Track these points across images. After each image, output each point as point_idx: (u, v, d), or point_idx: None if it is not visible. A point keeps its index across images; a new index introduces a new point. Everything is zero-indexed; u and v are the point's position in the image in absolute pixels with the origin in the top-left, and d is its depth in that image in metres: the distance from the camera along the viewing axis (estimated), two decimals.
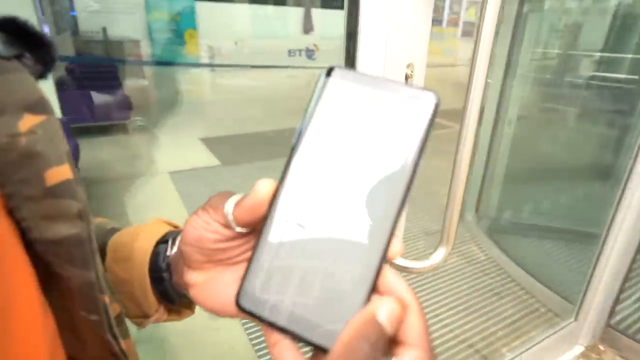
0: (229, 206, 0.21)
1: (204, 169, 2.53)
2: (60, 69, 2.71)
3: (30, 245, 0.19)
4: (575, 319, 1.16)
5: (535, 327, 1.24)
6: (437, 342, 1.20)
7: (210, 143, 2.98)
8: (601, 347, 1.16)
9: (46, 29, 3.07)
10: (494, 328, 1.24)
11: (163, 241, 0.29)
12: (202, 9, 4.56)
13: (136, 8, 4.06)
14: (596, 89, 1.80)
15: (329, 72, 0.20)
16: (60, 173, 0.19)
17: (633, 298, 1.24)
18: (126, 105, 2.90)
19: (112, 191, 2.12)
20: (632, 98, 1.57)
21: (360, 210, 0.19)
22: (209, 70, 4.92)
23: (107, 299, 0.21)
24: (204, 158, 2.72)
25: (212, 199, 0.22)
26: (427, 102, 0.19)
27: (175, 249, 0.27)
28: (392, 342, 0.17)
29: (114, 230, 0.31)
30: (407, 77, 0.47)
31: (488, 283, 1.45)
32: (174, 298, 0.28)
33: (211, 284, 0.23)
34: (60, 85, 2.19)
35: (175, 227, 0.32)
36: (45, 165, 0.18)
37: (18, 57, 0.20)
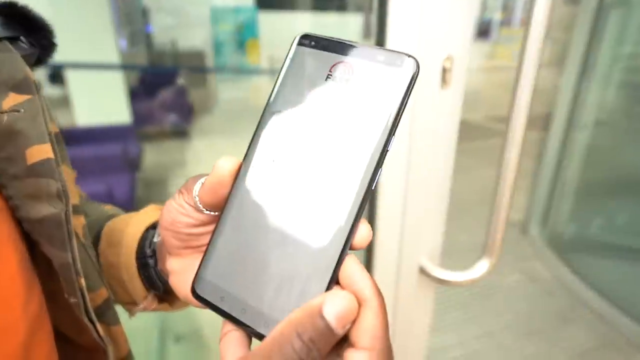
0: (197, 188, 0.20)
1: None
2: (134, 79, 2.96)
3: (21, 223, 0.19)
4: None
5: (610, 357, 1.09)
6: None
7: None
8: None
9: (123, 43, 3.39)
10: (558, 356, 1.11)
11: (152, 227, 0.28)
12: (264, 19, 4.75)
13: (203, 20, 4.33)
14: None
15: (301, 39, 0.19)
16: (40, 151, 0.19)
17: None
18: (189, 111, 3.09)
19: (170, 193, 2.27)
20: None
21: (325, 191, 0.17)
22: (269, 77, 5.11)
23: (83, 282, 0.21)
24: None
25: (188, 181, 0.21)
26: (405, 69, 0.17)
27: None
28: (342, 342, 0.15)
29: (113, 216, 0.31)
30: (445, 70, 0.43)
31: (553, 305, 1.30)
32: (159, 285, 0.28)
33: (187, 271, 0.22)
34: (132, 94, 2.38)
35: None
36: (26, 143, 0.19)
37: (12, 40, 0.20)
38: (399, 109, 0.17)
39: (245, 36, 4.64)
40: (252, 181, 0.18)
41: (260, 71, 5.04)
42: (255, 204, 0.18)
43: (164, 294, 0.29)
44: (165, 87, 2.97)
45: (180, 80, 3.31)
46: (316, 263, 0.16)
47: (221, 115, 3.84)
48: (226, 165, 0.18)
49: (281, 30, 5.07)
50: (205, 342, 1.12)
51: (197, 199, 0.20)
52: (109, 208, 0.34)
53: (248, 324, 0.17)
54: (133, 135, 2.18)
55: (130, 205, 1.66)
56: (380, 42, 0.43)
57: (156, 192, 2.23)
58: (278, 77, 0.19)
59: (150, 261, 0.27)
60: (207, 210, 0.20)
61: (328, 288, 0.16)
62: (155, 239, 0.27)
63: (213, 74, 4.45)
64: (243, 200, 0.18)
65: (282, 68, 0.19)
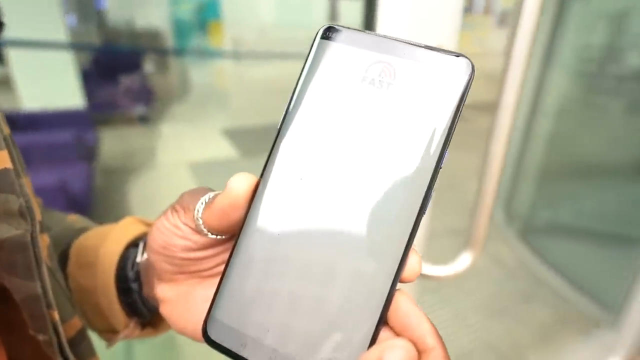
0: (200, 209, 0.17)
1: (225, 161, 2.53)
2: (86, 60, 2.75)
3: None
4: (614, 329, 1.07)
5: (568, 335, 1.16)
6: (460, 345, 1.14)
7: (232, 134, 2.98)
8: None
9: (71, 19, 3.13)
10: (521, 333, 1.17)
11: (133, 245, 0.24)
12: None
13: None
14: None
15: (326, 32, 0.16)
16: None
17: None
18: (148, 95, 2.93)
19: (131, 181, 2.15)
20: None
21: (367, 215, 0.14)
22: (232, 60, 4.94)
23: (56, 315, 0.17)
24: (226, 149, 2.73)
25: (184, 197, 0.18)
26: (458, 72, 0.14)
27: (146, 254, 0.23)
28: None
29: (82, 230, 0.26)
30: None
31: (517, 286, 1.37)
32: (144, 313, 0.24)
33: (183, 301, 0.19)
34: (85, 76, 2.21)
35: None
36: None
37: None
38: (453, 119, 0.14)
39: (207, 16, 4.44)
40: (275, 203, 0.15)
41: (224, 54, 4.85)
42: (282, 230, 0.15)
43: (146, 320, 0.26)
44: (121, 69, 2.79)
45: (139, 62, 3.12)
46: (361, 300, 0.14)
47: (184, 101, 3.68)
48: (241, 184, 0.15)
49: (245, 10, 4.89)
50: (175, 342, 1.08)
51: (200, 221, 0.17)
52: (74, 219, 0.29)
53: None
54: (87, 121, 2.03)
55: (88, 198, 1.55)
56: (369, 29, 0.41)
57: (116, 182, 2.11)
58: (300, 78, 0.16)
59: (134, 285, 0.23)
60: (212, 234, 0.17)
61: (376, 331, 0.14)
62: (138, 259, 0.23)
63: (173, 56, 4.24)
64: (265, 226, 0.15)
65: (304, 67, 0.16)
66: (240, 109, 3.78)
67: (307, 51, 0.16)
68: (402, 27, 0.40)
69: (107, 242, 0.24)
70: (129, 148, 2.60)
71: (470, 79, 0.14)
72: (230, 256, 0.15)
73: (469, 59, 0.14)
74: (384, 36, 0.15)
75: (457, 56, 0.14)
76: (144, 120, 2.92)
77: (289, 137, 0.15)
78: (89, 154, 1.80)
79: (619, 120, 1.67)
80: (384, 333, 0.14)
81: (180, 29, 4.29)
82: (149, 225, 0.27)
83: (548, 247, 1.49)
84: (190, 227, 0.18)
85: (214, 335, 0.15)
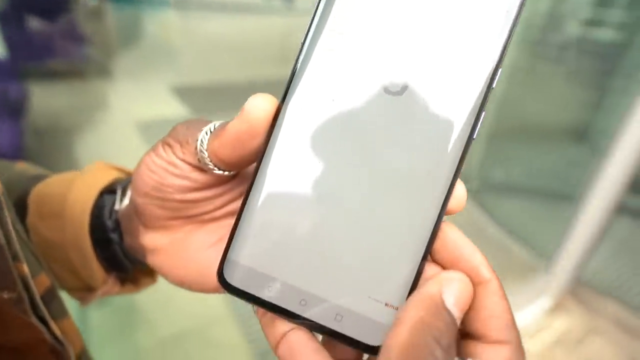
0: (204, 139, 0.15)
1: (176, 120, 2.39)
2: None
3: None
4: (547, 273, 1.20)
5: (508, 281, 1.28)
6: None
7: (182, 92, 2.81)
8: (570, 301, 1.22)
9: None
10: None
11: (109, 191, 0.22)
12: None
13: None
14: (583, 48, 1.78)
15: None
16: None
17: (604, 256, 1.29)
18: (81, 43, 2.65)
19: (68, 143, 1.98)
20: (615, 59, 1.56)
21: (411, 140, 0.13)
22: (179, 10, 4.56)
23: (25, 268, 0.15)
24: (176, 108, 2.58)
25: (177, 130, 0.16)
26: None
27: (126, 200, 0.21)
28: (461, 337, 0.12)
29: (39, 178, 0.23)
30: None
31: None
32: (126, 266, 0.22)
33: (179, 249, 0.17)
34: (3, 19, 1.94)
35: (127, 173, 0.25)
36: None
37: None
38: (509, 35, 0.13)
39: None
40: (303, 129, 0.13)
41: (170, 3, 4.46)
42: (311, 160, 0.13)
43: (128, 275, 0.23)
44: (45, 12, 2.47)
45: (67, 5, 2.78)
46: (404, 232, 0.12)
47: (126, 54, 3.37)
48: (262, 106, 0.13)
49: None
50: (136, 306, 1.05)
51: (205, 153, 0.14)
52: (23, 167, 0.25)
53: (313, 319, 0.13)
54: (10, 72, 1.80)
55: (18, 159, 1.40)
56: None
57: (52, 144, 1.93)
58: None
59: (113, 236, 0.21)
60: (218, 169, 0.15)
61: (421, 266, 0.13)
62: (116, 207, 0.20)
63: (110, 1, 3.82)
64: (292, 155, 0.13)
65: None
66: (189, 65, 3.55)
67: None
68: None
69: (75, 188, 0.21)
70: (64, 105, 2.37)
71: None
72: (249, 190, 0.13)
73: None
74: None
75: None
76: (79, 74, 2.65)
77: (317, 55, 0.13)
78: (15, 109, 1.61)
79: (561, 87, 1.79)
80: (430, 268, 0.13)
81: None
82: (121, 171, 0.24)
83: (496, 204, 1.61)
84: (188, 164, 0.16)
85: (233, 280, 0.13)
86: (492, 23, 0.13)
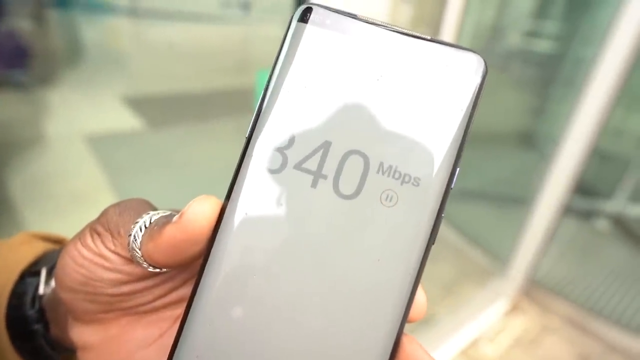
0: (137, 236, 0.13)
1: (129, 133, 2.29)
2: None
3: None
4: (502, 276, 1.25)
5: (467, 286, 1.32)
6: None
7: (134, 103, 2.69)
8: (524, 301, 1.27)
9: None
10: (430, 291, 1.30)
11: (31, 272, 0.19)
12: None
13: None
14: (525, 58, 1.88)
15: (305, 14, 0.12)
16: None
17: (553, 256, 1.36)
18: (22, 53, 2.48)
19: (10, 157, 1.83)
20: (554, 68, 1.67)
21: (364, 245, 0.12)
22: (128, 18, 4.39)
23: None
24: (128, 120, 2.46)
25: (108, 215, 0.14)
26: (468, 70, 0.12)
27: (53, 282, 0.18)
28: None
29: None
30: None
31: None
32: (52, 358, 0.19)
33: (114, 348, 0.15)
34: None
35: (58, 241, 0.21)
36: None
37: None
38: (465, 128, 0.12)
39: None
40: (250, 231, 0.12)
41: (117, 10, 4.28)
42: (262, 269, 0.12)
43: None
44: None
45: (3, 11, 2.59)
46: (363, 346, 0.12)
47: (72, 63, 3.19)
48: (203, 213, 0.12)
49: None
50: None
51: (138, 252, 0.13)
52: None
53: None
54: None
55: None
56: (302, 2, 0.38)
57: None
58: (274, 71, 0.12)
59: (37, 327, 0.18)
60: (154, 268, 0.13)
61: None
62: (40, 291, 0.18)
63: (51, 7, 3.61)
64: (239, 260, 0.12)
65: (278, 57, 0.12)
66: (141, 74, 3.42)
67: (282, 35, 0.12)
68: None
69: None
70: (4, 118, 2.20)
71: (483, 78, 0.12)
72: (191, 299, 0.12)
73: (478, 53, 0.13)
74: (372, 21, 0.12)
75: (466, 50, 0.12)
76: (20, 85, 2.48)
77: (263, 147, 0.12)
78: None
79: (507, 95, 1.88)
80: None
81: None
82: (49, 240, 0.21)
83: (452, 210, 1.66)
84: (121, 257, 0.14)
85: None
86: (448, 121, 0.12)
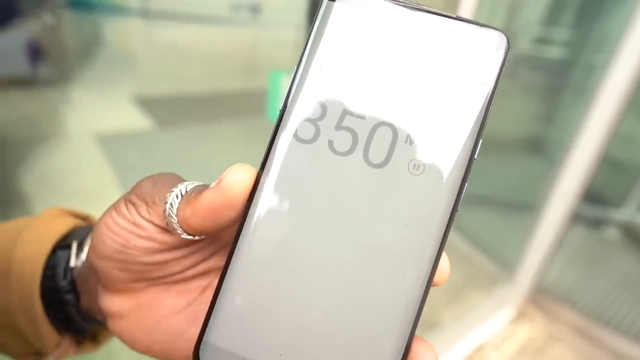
0: (174, 203, 0.14)
1: (139, 132, 2.32)
2: None
3: None
4: (509, 283, 1.24)
5: (473, 292, 1.31)
6: None
7: (145, 103, 2.72)
8: (531, 308, 1.26)
9: None
10: (437, 297, 1.30)
11: (63, 245, 0.19)
12: None
13: None
14: (534, 64, 1.88)
15: None
16: None
17: (561, 264, 1.35)
18: (36, 52, 2.53)
19: (22, 156, 1.86)
20: (564, 75, 1.66)
21: (392, 212, 0.12)
22: (140, 19, 4.44)
23: None
24: (138, 120, 2.49)
25: (142, 186, 0.15)
26: (491, 47, 0.13)
27: (83, 255, 0.18)
28: None
29: None
30: None
31: None
32: (82, 327, 0.20)
33: (144, 315, 0.16)
34: None
35: (85, 218, 0.22)
36: None
37: None
38: (488, 103, 0.13)
39: None
40: (283, 200, 0.12)
41: (129, 11, 4.34)
42: (295, 236, 0.12)
43: (84, 336, 0.21)
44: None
45: (17, 10, 2.64)
46: (389, 310, 0.12)
47: (84, 62, 3.24)
48: (241, 179, 0.12)
49: None
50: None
51: (174, 219, 0.13)
52: None
53: None
54: None
55: None
56: (315, 5, 0.38)
57: (3, 154, 1.81)
58: (306, 46, 0.13)
59: (69, 297, 0.18)
60: (188, 235, 0.14)
61: (408, 344, 0.12)
62: (72, 264, 0.18)
63: (64, 8, 3.67)
64: (272, 230, 0.12)
65: (309, 35, 0.13)
66: (151, 74, 3.46)
67: (315, 14, 0.13)
68: None
69: (24, 243, 0.19)
70: (16, 115, 2.23)
71: (506, 54, 0.13)
72: (226, 267, 0.13)
73: (502, 31, 0.13)
74: (405, 3, 0.13)
75: (490, 28, 0.13)
76: (33, 82, 2.52)
77: (293, 126, 0.13)
78: None
79: (517, 101, 1.87)
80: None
81: None
82: (78, 217, 0.22)
83: (460, 216, 1.65)
84: (155, 225, 0.14)
85: (207, 359, 0.12)
86: (471, 95, 0.13)
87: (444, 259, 0.13)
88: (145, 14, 4.44)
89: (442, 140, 0.13)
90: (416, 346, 0.13)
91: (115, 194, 1.56)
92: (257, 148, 0.13)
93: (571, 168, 1.04)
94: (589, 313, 1.20)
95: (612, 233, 1.59)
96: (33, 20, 2.74)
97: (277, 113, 0.13)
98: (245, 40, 4.81)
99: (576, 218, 1.14)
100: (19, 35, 2.43)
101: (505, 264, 1.31)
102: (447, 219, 0.13)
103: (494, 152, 1.81)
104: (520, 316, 1.24)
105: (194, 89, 3.12)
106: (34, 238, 0.19)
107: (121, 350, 0.23)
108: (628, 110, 0.96)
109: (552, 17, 1.79)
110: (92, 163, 1.88)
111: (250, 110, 2.55)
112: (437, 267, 0.13)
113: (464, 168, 0.13)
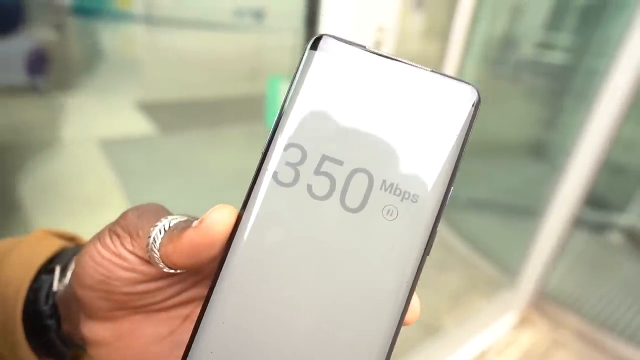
0: (157, 238, 0.14)
1: (141, 138, 2.33)
2: None
3: None
4: (512, 288, 1.23)
5: (475, 297, 1.30)
6: None
7: (148, 108, 2.74)
8: (534, 314, 1.25)
9: None
10: (438, 301, 1.29)
11: (47, 269, 0.19)
12: None
13: None
14: (537, 69, 1.88)
15: (315, 42, 0.14)
16: None
17: (564, 269, 1.34)
18: (40, 59, 2.55)
19: (25, 162, 1.88)
20: (566, 80, 1.66)
21: (364, 258, 0.13)
22: (144, 25, 4.48)
23: None
24: (140, 125, 2.51)
25: (127, 218, 0.15)
26: (463, 100, 0.14)
27: (66, 280, 0.18)
28: None
29: None
30: (378, 44, 0.41)
31: (433, 256, 1.49)
32: (63, 352, 0.19)
33: (126, 343, 0.16)
34: None
35: (71, 238, 0.22)
36: None
37: None
38: (460, 151, 0.14)
39: None
40: (262, 240, 0.13)
41: (134, 17, 4.38)
42: (273, 274, 0.13)
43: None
44: (3, 25, 2.36)
45: (22, 18, 2.67)
46: (363, 345, 0.13)
47: (87, 69, 3.27)
48: (222, 219, 0.13)
49: None
50: None
51: (156, 254, 0.14)
52: None
53: None
54: None
55: None
56: (313, 12, 0.39)
57: (5, 162, 1.82)
58: (289, 93, 0.14)
59: (50, 322, 0.18)
60: (170, 269, 0.14)
61: None
62: (54, 288, 0.18)
63: (69, 14, 3.71)
64: (252, 266, 0.13)
65: (292, 81, 0.14)
66: (155, 80, 3.48)
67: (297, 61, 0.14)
68: (347, 8, 0.39)
69: (7, 265, 0.18)
70: (20, 122, 2.25)
71: (476, 107, 0.14)
72: (205, 304, 0.13)
73: (473, 85, 0.14)
74: (375, 51, 0.14)
75: (459, 81, 0.14)
76: (36, 89, 2.54)
77: (276, 162, 0.13)
78: None
79: (518, 105, 1.87)
80: None
81: None
82: (63, 237, 0.22)
83: (462, 220, 1.65)
84: (138, 257, 0.15)
85: None
86: (443, 144, 0.14)
87: (415, 299, 0.14)
88: (149, 20, 4.48)
89: (415, 188, 0.13)
90: None
91: (119, 199, 1.57)
92: (259, 153, 0.14)
93: (573, 172, 1.04)
94: (592, 318, 1.19)
95: (615, 238, 1.58)
96: (37, 27, 2.77)
97: (265, 142, 0.14)
98: (249, 46, 4.83)
99: (579, 223, 1.13)
100: (23, 42, 2.45)
101: (508, 268, 1.31)
102: (418, 263, 0.13)
103: (496, 157, 1.80)
104: (523, 322, 1.23)
105: (197, 94, 3.14)
106: (19, 261, 0.19)
107: None
108: (630, 115, 0.96)
109: (554, 22, 1.79)
110: (95, 168, 1.89)
111: (252, 115, 2.56)
112: (407, 307, 0.13)
113: (435, 215, 0.13)
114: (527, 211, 1.37)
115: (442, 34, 0.41)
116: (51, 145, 2.01)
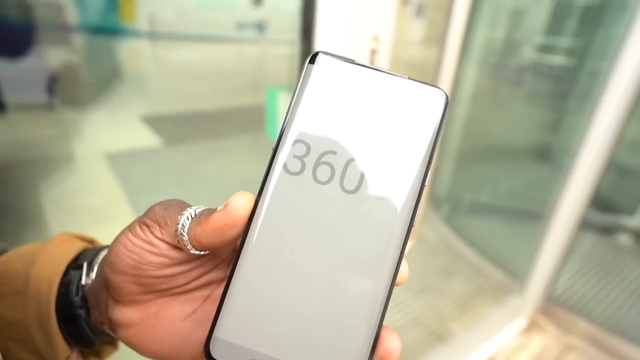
0: (185, 224, 0.16)
1: (147, 150, 2.35)
2: None
3: None
4: (520, 294, 1.22)
5: (483, 303, 1.29)
6: (391, 322, 1.20)
7: (153, 121, 2.78)
8: (543, 319, 1.23)
9: None
10: (444, 306, 1.28)
11: (75, 266, 0.22)
12: None
13: None
14: (538, 72, 1.88)
15: (313, 58, 0.17)
16: None
17: (572, 273, 1.32)
18: (51, 80, 2.60)
19: (34, 175, 1.90)
20: (568, 82, 1.65)
21: (361, 230, 0.16)
22: (148, 41, 4.56)
23: None
24: (145, 138, 2.54)
25: (155, 211, 0.17)
26: (434, 101, 0.16)
27: (93, 274, 0.21)
28: None
29: None
30: (373, 52, 0.42)
31: (438, 263, 1.48)
32: (92, 340, 0.22)
33: (153, 322, 0.18)
34: None
35: (90, 241, 0.25)
36: None
37: None
38: (433, 146, 0.16)
39: None
40: (275, 220, 0.16)
41: (139, 34, 4.45)
42: (285, 247, 0.16)
43: (92, 349, 0.23)
44: (16, 47, 2.42)
45: (32, 39, 2.73)
46: (363, 305, 0.16)
47: (94, 84, 3.32)
48: (243, 204, 0.16)
49: None
50: None
51: (185, 237, 0.16)
52: None
53: None
54: None
55: None
56: (308, 22, 0.39)
57: (15, 178, 1.85)
58: (292, 100, 0.17)
59: (80, 312, 0.21)
60: (197, 250, 0.16)
61: (378, 329, 0.16)
62: (83, 282, 0.21)
63: (77, 33, 3.78)
64: (269, 243, 0.16)
65: (295, 92, 0.17)
66: (159, 94, 3.53)
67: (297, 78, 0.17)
68: (341, 16, 0.40)
69: (39, 265, 0.21)
70: (28, 138, 2.29)
71: (445, 107, 0.16)
72: (230, 275, 0.16)
73: (442, 89, 0.17)
74: (365, 65, 0.17)
75: (432, 87, 0.16)
76: (45, 106, 2.58)
77: (284, 157, 0.16)
78: None
79: (521, 109, 1.87)
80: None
81: (83, 1, 3.85)
82: (85, 240, 0.24)
83: (467, 225, 1.64)
84: (167, 243, 0.17)
85: (217, 354, 0.15)
86: (418, 139, 0.17)
87: (404, 263, 0.16)
88: (154, 36, 4.56)
89: (399, 172, 0.16)
90: (384, 333, 0.16)
91: (125, 211, 1.59)
92: (262, 163, 0.16)
93: (578, 174, 1.03)
94: (602, 323, 1.17)
95: (624, 240, 1.56)
96: (48, 48, 2.83)
97: (274, 140, 0.16)
98: (251, 58, 4.89)
99: (588, 226, 1.12)
100: (40, 62, 2.51)
101: (515, 273, 1.29)
102: (405, 232, 0.16)
103: (501, 161, 1.80)
104: (532, 327, 1.21)
105: (201, 106, 3.17)
106: (48, 260, 0.21)
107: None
108: (634, 116, 0.96)
109: (554, 26, 1.80)
110: (103, 181, 1.91)
111: (255, 125, 2.58)
112: (398, 270, 0.16)
113: (416, 195, 0.16)
114: (533, 215, 1.36)
115: (442, 40, 0.42)
116: (60, 160, 2.04)
